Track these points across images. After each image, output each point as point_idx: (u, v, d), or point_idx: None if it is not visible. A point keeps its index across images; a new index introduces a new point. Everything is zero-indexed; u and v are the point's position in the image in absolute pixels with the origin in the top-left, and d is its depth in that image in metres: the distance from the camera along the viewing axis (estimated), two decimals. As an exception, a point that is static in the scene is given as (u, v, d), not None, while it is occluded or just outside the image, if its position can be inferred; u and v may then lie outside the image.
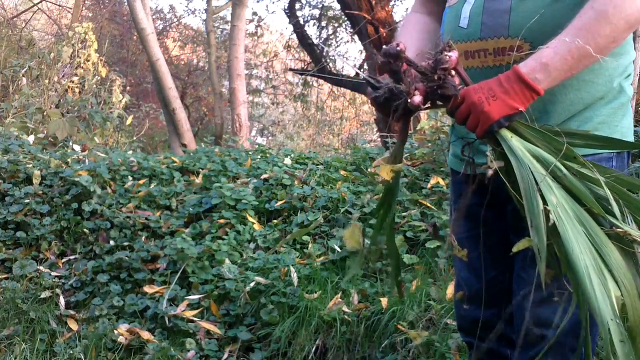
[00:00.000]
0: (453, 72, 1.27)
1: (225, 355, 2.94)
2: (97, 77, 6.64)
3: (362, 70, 11.52)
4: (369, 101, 1.36)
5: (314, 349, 2.85)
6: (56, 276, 3.41)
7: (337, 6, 10.38)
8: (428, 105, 1.31)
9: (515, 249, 1.24)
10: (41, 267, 3.43)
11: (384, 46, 1.29)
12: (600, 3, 1.27)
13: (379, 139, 6.72)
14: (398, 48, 1.26)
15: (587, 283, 1.15)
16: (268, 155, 4.45)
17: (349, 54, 20.75)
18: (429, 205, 3.43)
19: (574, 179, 1.24)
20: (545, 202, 1.20)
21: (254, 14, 13.52)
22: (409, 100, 1.26)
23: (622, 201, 1.23)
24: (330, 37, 11.97)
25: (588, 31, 1.26)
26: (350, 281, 3.07)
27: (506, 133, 1.27)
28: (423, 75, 1.27)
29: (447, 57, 1.25)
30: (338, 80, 10.80)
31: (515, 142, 1.27)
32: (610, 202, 1.22)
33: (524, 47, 1.38)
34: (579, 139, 1.31)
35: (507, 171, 1.26)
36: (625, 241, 1.21)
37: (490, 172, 1.27)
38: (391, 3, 9.54)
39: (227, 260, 3.27)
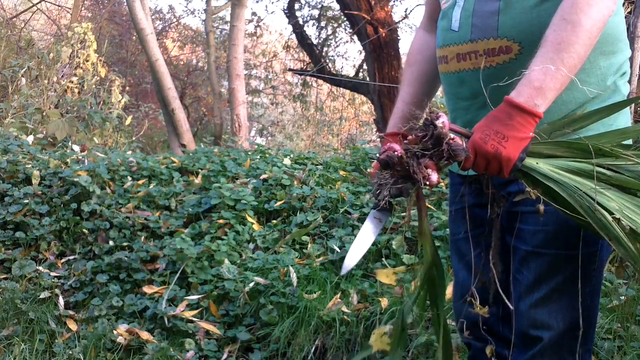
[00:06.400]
0: (451, 134, 1.25)
1: (225, 356, 2.94)
2: (96, 77, 6.64)
3: (361, 70, 11.53)
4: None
5: (313, 349, 2.85)
6: (55, 276, 3.41)
7: (337, 6, 10.39)
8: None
9: None
10: (40, 268, 3.43)
11: (381, 156, 1.26)
12: (571, 13, 1.28)
13: (378, 139, 6.72)
14: (397, 154, 1.24)
15: None
16: (267, 155, 4.45)
17: (348, 54, 20.83)
18: (428, 205, 3.44)
19: (620, 176, 1.25)
20: (608, 212, 1.21)
21: (254, 14, 13.56)
22: (427, 183, 1.25)
23: None
24: (330, 38, 11.98)
25: (569, 44, 1.27)
26: (350, 281, 3.08)
27: (530, 162, 1.26)
28: (429, 153, 1.25)
29: (442, 127, 1.23)
30: (337, 80, 10.81)
31: (543, 166, 1.26)
32: None
33: (513, 47, 1.39)
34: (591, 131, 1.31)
35: (548, 193, 1.26)
36: None
37: (541, 207, 1.28)
38: (390, 3, 9.54)
39: (226, 261, 3.28)
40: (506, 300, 1.35)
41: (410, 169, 1.24)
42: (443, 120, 1.23)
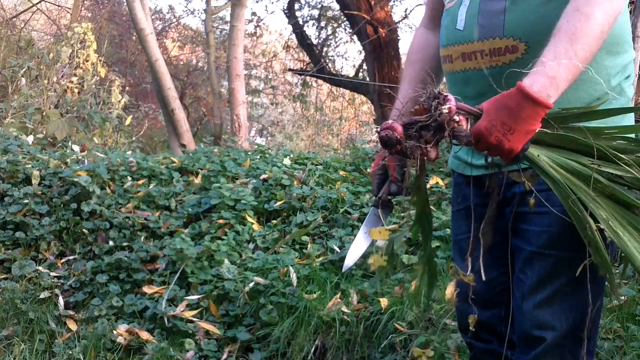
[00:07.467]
0: (457, 117, 1.22)
1: (225, 356, 2.94)
2: (96, 77, 6.64)
3: (361, 70, 11.53)
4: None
5: (313, 349, 2.85)
6: (55, 276, 3.40)
7: (336, 6, 10.40)
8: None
9: None
10: (40, 268, 3.43)
11: (381, 133, 1.23)
12: (585, 5, 1.27)
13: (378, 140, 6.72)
14: (397, 136, 1.22)
15: None
16: (267, 155, 4.45)
17: (348, 54, 20.80)
18: (428, 205, 3.43)
19: (615, 186, 1.24)
20: (595, 219, 1.21)
21: (253, 14, 13.56)
22: (425, 159, 1.23)
23: None
24: (330, 38, 11.99)
25: (583, 36, 1.25)
26: (350, 281, 3.07)
27: (532, 153, 1.25)
28: (433, 133, 1.24)
29: (447, 113, 1.20)
30: (337, 80, 10.81)
31: (543, 159, 1.25)
32: None
33: (519, 47, 1.39)
34: (597, 131, 1.29)
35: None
36: None
37: (532, 201, 1.28)
38: (390, 3, 9.55)
39: (226, 261, 3.27)
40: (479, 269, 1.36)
41: (408, 150, 1.23)
42: (449, 106, 1.21)
